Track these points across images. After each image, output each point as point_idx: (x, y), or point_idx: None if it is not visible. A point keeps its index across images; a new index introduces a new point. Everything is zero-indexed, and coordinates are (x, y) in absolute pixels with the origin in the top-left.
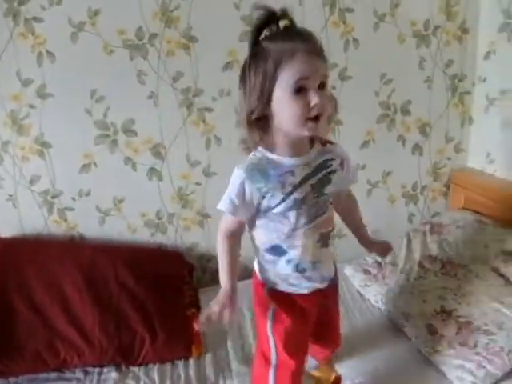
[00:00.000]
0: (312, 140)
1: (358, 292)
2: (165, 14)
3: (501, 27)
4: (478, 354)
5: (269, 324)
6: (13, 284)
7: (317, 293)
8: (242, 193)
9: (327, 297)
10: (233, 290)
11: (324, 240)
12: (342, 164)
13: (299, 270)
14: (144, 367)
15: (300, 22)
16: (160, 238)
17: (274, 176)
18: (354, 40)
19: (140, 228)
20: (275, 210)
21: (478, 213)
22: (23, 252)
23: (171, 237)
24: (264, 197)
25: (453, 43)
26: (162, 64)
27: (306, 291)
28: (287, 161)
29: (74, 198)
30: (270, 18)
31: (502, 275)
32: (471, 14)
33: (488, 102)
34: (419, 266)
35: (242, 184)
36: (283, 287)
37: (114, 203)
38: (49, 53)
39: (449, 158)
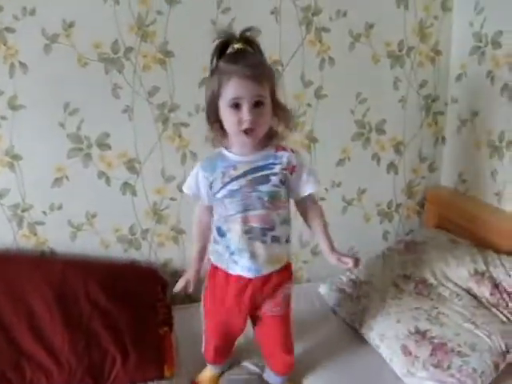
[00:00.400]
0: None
1: (333, 311)
2: (141, 28)
3: (471, 50)
4: (451, 375)
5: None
6: None
7: (246, 281)
8: (195, 180)
9: (258, 293)
10: (195, 273)
11: (255, 234)
12: (291, 170)
13: (230, 251)
14: None
15: (277, 40)
16: (133, 254)
17: (219, 168)
18: (330, 59)
19: (113, 244)
20: (217, 196)
21: (451, 232)
22: None
23: (145, 253)
24: (211, 185)
25: (426, 64)
26: (138, 78)
27: (235, 272)
28: (234, 157)
29: (44, 212)
30: (226, 41)
31: (474, 296)
32: (444, 36)
33: (460, 122)
34: (394, 285)
35: (197, 173)
36: (218, 262)
37: (86, 218)
38: (21, 64)
39: (423, 177)
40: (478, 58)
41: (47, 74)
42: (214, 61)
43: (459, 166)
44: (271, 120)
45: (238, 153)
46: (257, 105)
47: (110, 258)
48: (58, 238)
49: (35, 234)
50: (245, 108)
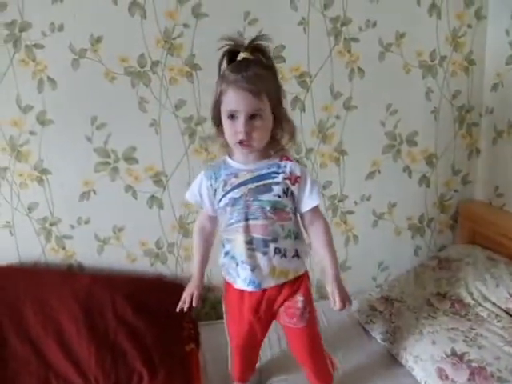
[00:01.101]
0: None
1: (364, 328)
2: (167, 41)
3: (508, 59)
4: None
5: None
6: (6, 315)
7: (260, 293)
8: (199, 188)
9: (273, 304)
10: (198, 283)
11: (256, 245)
12: (294, 180)
13: (235, 262)
14: None
15: (304, 51)
16: (160, 268)
17: (222, 176)
18: (359, 69)
19: (140, 257)
20: (220, 204)
21: (487, 248)
22: (19, 281)
23: (171, 266)
24: (215, 193)
25: (459, 74)
26: (165, 92)
27: (237, 286)
28: (236, 165)
29: (72, 226)
30: (232, 49)
31: None
32: (478, 45)
33: (496, 133)
34: (427, 304)
35: (201, 181)
36: (227, 276)
37: (113, 231)
38: (50, 79)
39: (456, 190)
40: None
41: (75, 89)
42: (223, 66)
43: (495, 179)
44: (277, 131)
45: (240, 161)
46: (253, 117)
47: (136, 272)
48: (85, 252)
49: (63, 248)
50: (240, 120)
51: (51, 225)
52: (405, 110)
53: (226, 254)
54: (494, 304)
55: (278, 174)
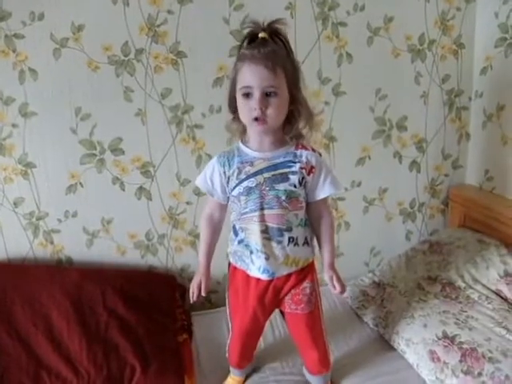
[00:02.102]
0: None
1: (356, 314)
2: (151, 28)
3: (497, 42)
4: (483, 383)
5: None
6: None
7: (266, 282)
8: (211, 174)
9: (279, 292)
10: (205, 272)
11: (271, 234)
12: (309, 171)
13: (249, 250)
14: None
15: (292, 36)
16: (151, 260)
17: (236, 163)
18: (348, 54)
19: (129, 250)
20: (233, 193)
21: (478, 231)
22: (7, 278)
23: (162, 258)
24: (228, 181)
25: (449, 58)
26: (150, 80)
27: (252, 273)
28: (251, 152)
29: (60, 220)
30: (254, 31)
31: (505, 299)
32: (467, 29)
33: (485, 117)
34: (419, 287)
35: (213, 167)
36: (239, 262)
37: (102, 224)
38: (31, 70)
39: (446, 175)
40: (505, 49)
41: (57, 79)
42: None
43: (485, 163)
44: (294, 114)
45: (255, 148)
46: (269, 95)
47: (127, 265)
48: (74, 246)
49: (51, 243)
50: (255, 96)
51: (38, 219)
52: (394, 95)
53: (240, 242)
54: (484, 286)
55: (295, 163)
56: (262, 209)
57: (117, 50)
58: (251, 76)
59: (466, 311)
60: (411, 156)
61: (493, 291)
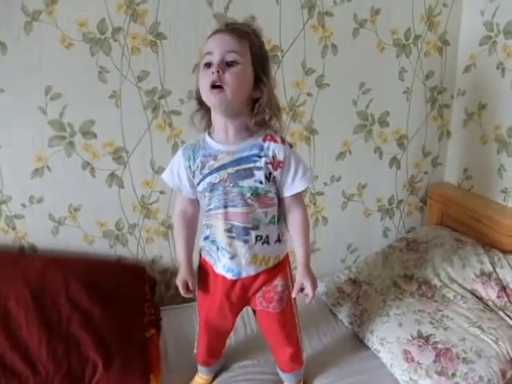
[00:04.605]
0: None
1: (331, 311)
2: (130, 6)
3: (482, 40)
4: None
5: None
6: None
7: (227, 280)
8: (178, 169)
9: (247, 291)
10: (188, 270)
11: (237, 233)
12: (276, 165)
13: (216, 246)
14: None
15: (276, 24)
16: (120, 251)
17: (200, 156)
18: (333, 46)
19: (98, 239)
20: (198, 188)
21: (455, 229)
22: None
23: (132, 249)
24: (194, 175)
25: (433, 54)
26: (126, 61)
27: (218, 270)
28: (215, 145)
29: (24, 205)
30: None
31: (480, 298)
32: (453, 25)
33: (467, 116)
34: (395, 285)
35: (179, 161)
36: (207, 256)
37: (69, 211)
38: (0, 43)
39: (425, 172)
40: (489, 48)
41: (27, 55)
42: None
43: (464, 161)
44: (258, 99)
45: (220, 140)
46: (230, 65)
47: (94, 255)
48: (38, 233)
49: (14, 228)
50: (214, 61)
51: (0, 203)
52: (377, 90)
53: (206, 238)
54: (460, 285)
55: (260, 157)
56: (225, 206)
57: (93, 26)
58: (213, 43)
59: (441, 310)
60: (392, 152)
61: (468, 290)
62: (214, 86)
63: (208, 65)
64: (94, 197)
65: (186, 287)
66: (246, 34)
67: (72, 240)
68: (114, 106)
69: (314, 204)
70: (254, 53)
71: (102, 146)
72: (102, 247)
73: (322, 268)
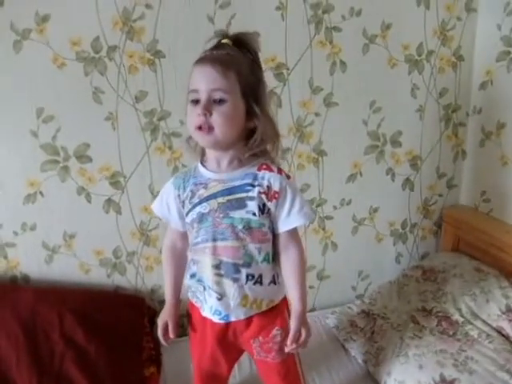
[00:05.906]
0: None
1: (343, 346)
2: (127, 23)
3: (499, 56)
4: None
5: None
6: None
7: (223, 324)
8: (168, 198)
9: (242, 337)
10: (173, 311)
11: (225, 270)
12: (271, 196)
13: (203, 286)
14: None
15: (282, 40)
16: (118, 280)
17: (190, 185)
18: (342, 62)
19: (94, 268)
20: (186, 219)
21: (472, 256)
22: None
23: (131, 278)
24: (183, 205)
25: (447, 70)
26: (123, 81)
27: (204, 314)
28: (206, 173)
29: (16, 233)
30: (218, 37)
31: (507, 337)
32: (467, 40)
33: (483, 135)
34: (412, 321)
35: (168, 191)
36: (194, 298)
37: (63, 239)
38: None
39: (440, 195)
40: (507, 64)
41: (17, 75)
42: None
43: (481, 183)
44: (254, 131)
45: (212, 168)
46: (216, 102)
47: (90, 285)
48: (31, 262)
49: (5, 257)
50: (200, 102)
51: None
52: (389, 108)
53: (193, 276)
54: (484, 322)
55: (254, 186)
56: (214, 239)
57: (86, 45)
58: (198, 78)
59: (465, 350)
60: (405, 174)
61: (494, 328)
62: (200, 128)
63: (196, 102)
64: (89, 223)
65: (166, 330)
66: (231, 64)
67: (67, 269)
68: (111, 128)
69: (323, 229)
70: (243, 82)
71: (98, 171)
72: (98, 276)
73: (332, 296)
